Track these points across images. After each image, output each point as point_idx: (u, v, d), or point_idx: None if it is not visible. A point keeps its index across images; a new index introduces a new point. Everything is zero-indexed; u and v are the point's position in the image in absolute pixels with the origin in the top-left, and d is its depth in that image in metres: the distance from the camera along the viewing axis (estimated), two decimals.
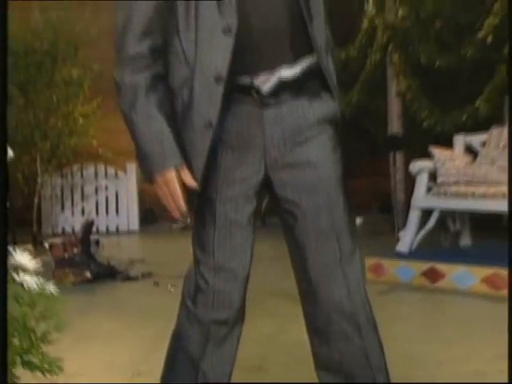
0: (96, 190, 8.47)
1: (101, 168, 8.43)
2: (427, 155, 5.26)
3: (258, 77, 1.65)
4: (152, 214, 8.59)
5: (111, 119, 7.71)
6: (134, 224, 8.17)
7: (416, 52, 7.13)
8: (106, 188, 8.30)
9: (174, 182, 1.65)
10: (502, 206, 4.69)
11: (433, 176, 5.18)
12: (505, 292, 4.29)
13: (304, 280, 1.83)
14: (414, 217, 5.22)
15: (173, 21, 1.67)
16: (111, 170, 8.36)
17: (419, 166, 5.23)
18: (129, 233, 8.29)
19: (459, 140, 5.51)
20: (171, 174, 1.64)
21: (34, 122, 7.40)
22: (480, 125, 6.11)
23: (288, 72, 1.68)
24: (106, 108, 7.49)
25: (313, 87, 1.74)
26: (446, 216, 5.27)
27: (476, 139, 5.46)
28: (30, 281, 1.50)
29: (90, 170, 8.51)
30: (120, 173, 8.32)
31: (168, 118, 1.68)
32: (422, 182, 5.20)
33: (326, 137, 1.76)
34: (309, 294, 1.83)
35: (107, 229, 8.49)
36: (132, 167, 8.35)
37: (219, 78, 1.63)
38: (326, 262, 1.79)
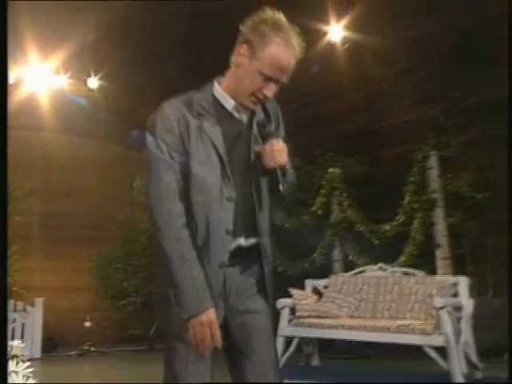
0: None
1: (11, 303, 7.61)
2: (286, 294, 5.26)
3: None
4: (52, 341, 7.79)
5: (25, 261, 7.18)
6: (37, 352, 7.35)
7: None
8: (14, 321, 7.47)
9: (215, 320, 1.63)
10: (342, 335, 4.88)
11: (293, 311, 5.17)
12: None
13: None
14: (279, 343, 5.03)
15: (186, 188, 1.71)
16: (20, 305, 7.61)
17: (283, 303, 5.19)
18: (32, 360, 7.38)
19: (308, 283, 5.64)
20: (212, 313, 1.63)
21: None
22: (316, 271, 6.41)
23: (244, 242, 1.75)
24: (22, 251, 6.96)
25: (254, 257, 1.79)
26: (301, 342, 5.25)
27: (320, 283, 5.63)
28: None
29: None
30: (28, 307, 7.59)
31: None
32: (284, 315, 5.16)
33: (263, 293, 1.80)
34: None
35: None
36: (39, 301, 7.64)
37: (228, 231, 1.70)
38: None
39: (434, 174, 6.44)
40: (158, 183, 1.69)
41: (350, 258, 6.69)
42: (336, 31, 7.34)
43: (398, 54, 7.29)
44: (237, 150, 1.78)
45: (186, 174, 1.70)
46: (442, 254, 6.20)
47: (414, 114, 7.26)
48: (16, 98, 8.18)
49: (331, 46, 7.61)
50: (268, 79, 1.72)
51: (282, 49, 1.69)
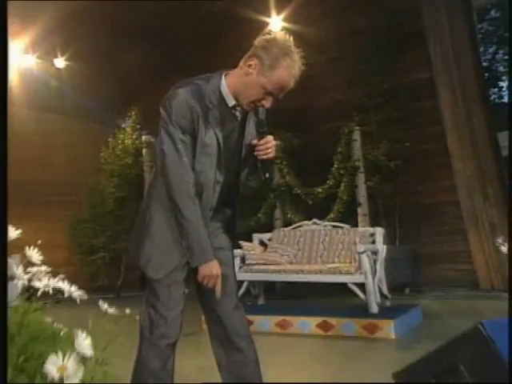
0: None
1: None
2: (239, 246, 5.26)
3: None
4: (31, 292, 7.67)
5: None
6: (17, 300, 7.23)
7: None
8: None
9: (218, 266, 1.77)
10: (283, 278, 5.12)
11: (243, 259, 5.25)
12: None
13: (214, 319, 1.95)
14: None
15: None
16: None
17: (234, 253, 5.25)
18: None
19: (255, 237, 5.75)
20: (216, 262, 1.77)
21: None
22: (260, 228, 6.61)
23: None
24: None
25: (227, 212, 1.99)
26: (250, 285, 5.32)
27: (265, 236, 5.75)
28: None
29: None
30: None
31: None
32: (235, 263, 5.18)
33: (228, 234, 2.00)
34: (216, 325, 1.94)
35: None
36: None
37: (212, 207, 1.85)
38: (230, 308, 1.94)
39: (357, 145, 6.84)
40: (174, 155, 1.73)
41: (289, 216, 6.99)
42: (276, 22, 7.50)
43: (330, 44, 7.55)
44: (230, 142, 1.84)
45: (193, 155, 1.77)
46: (362, 211, 6.67)
47: (342, 95, 7.58)
48: None
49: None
50: (269, 94, 1.77)
51: (287, 73, 1.74)
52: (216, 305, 1.91)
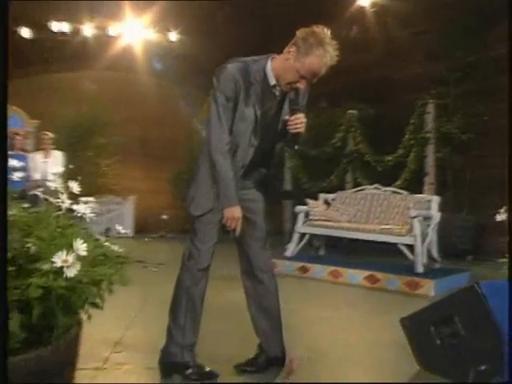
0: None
1: (112, 198, 8.31)
2: (304, 203, 5.45)
3: None
4: (141, 226, 8.51)
5: (122, 169, 7.84)
6: (130, 232, 8.14)
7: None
8: (115, 210, 8.26)
9: (239, 211, 1.92)
10: (342, 234, 5.17)
11: (307, 215, 5.35)
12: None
13: (244, 257, 2.12)
14: (295, 237, 5.35)
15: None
16: (118, 199, 8.37)
17: (300, 209, 5.38)
18: (126, 237, 8.04)
19: (321, 196, 5.81)
20: (238, 207, 1.92)
21: (76, 165, 7.24)
22: (332, 189, 6.57)
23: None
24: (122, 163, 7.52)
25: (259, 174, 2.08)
26: (313, 238, 5.42)
27: (330, 196, 5.78)
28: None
29: (105, 198, 8.17)
30: (123, 201, 8.34)
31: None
32: (300, 218, 5.35)
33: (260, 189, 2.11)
34: (245, 262, 2.13)
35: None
36: (131, 198, 8.29)
37: (244, 165, 1.99)
38: (257, 249, 2.12)
39: (430, 117, 6.47)
40: (216, 117, 1.87)
41: (358, 180, 6.89)
42: None
43: (415, 18, 7.08)
44: (267, 115, 1.96)
45: (232, 119, 1.90)
46: (429, 180, 6.37)
47: (422, 68, 7.13)
48: (115, 47, 8.63)
49: (361, 8, 7.48)
50: (303, 77, 1.86)
51: (318, 60, 1.82)
52: (246, 246, 2.10)
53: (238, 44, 8.65)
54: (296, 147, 1.98)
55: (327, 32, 1.85)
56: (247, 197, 2.02)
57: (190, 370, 2.01)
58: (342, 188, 6.90)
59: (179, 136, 8.69)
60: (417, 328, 2.38)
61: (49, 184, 1.37)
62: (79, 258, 1.17)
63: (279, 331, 2.17)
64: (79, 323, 1.35)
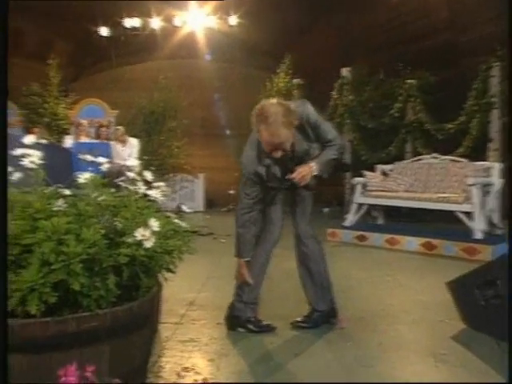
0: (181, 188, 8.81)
1: (184, 176, 8.74)
2: (361, 175, 5.46)
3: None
4: (211, 201, 8.97)
5: (190, 149, 8.23)
6: (201, 207, 8.57)
7: (358, 119, 7.42)
8: (187, 187, 8.72)
9: (245, 270, 2.20)
10: (399, 203, 5.12)
11: (364, 186, 5.36)
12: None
13: (295, 226, 2.34)
14: (353, 207, 5.44)
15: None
16: (190, 177, 8.83)
17: (357, 180, 5.41)
18: (198, 212, 8.22)
19: (378, 167, 5.77)
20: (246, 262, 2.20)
21: (151, 149, 7.75)
22: (391, 160, 6.43)
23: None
24: (189, 144, 7.93)
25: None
26: (370, 208, 5.45)
27: (387, 167, 5.72)
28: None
29: (178, 177, 8.61)
30: (194, 179, 8.80)
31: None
32: (358, 189, 5.39)
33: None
34: (296, 230, 2.33)
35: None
36: (201, 175, 8.70)
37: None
38: (304, 219, 2.32)
39: (495, 81, 6.08)
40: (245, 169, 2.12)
41: (418, 149, 6.68)
42: None
43: None
44: (278, 170, 2.12)
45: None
46: (493, 146, 6.05)
47: (489, 28, 6.61)
48: (179, 37, 8.97)
49: None
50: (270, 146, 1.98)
51: (266, 134, 1.93)
52: (296, 217, 2.33)
53: (292, 25, 8.62)
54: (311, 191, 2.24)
55: (273, 105, 1.92)
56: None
57: (251, 324, 2.26)
58: (401, 158, 6.75)
59: (239, 115, 8.90)
60: (462, 290, 2.46)
61: (128, 174, 1.59)
62: (154, 232, 1.39)
63: (326, 290, 2.35)
64: (159, 284, 1.56)
